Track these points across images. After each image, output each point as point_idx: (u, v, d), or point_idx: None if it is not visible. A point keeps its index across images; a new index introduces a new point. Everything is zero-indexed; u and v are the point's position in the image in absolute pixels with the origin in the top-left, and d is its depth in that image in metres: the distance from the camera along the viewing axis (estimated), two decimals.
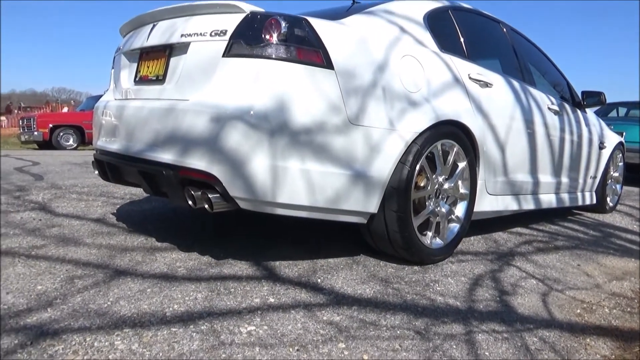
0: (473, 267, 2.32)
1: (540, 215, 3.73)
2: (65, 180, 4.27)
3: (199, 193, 1.85)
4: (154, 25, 2.20)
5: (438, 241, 2.33)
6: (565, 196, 3.54)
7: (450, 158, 2.33)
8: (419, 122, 2.09)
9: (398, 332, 1.55)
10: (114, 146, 2.19)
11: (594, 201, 4.06)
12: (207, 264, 2.09)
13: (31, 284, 1.73)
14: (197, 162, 1.80)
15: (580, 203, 3.80)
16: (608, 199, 4.29)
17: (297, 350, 1.38)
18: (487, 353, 1.44)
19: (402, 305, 1.77)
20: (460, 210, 2.46)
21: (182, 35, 1.99)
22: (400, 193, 2.06)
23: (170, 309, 1.60)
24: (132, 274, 1.91)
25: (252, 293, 1.78)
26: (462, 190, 2.45)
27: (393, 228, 2.10)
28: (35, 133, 12.11)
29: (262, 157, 1.75)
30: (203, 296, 1.72)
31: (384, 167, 2.01)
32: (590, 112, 3.93)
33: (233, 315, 1.58)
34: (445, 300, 1.85)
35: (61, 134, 12.41)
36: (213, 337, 1.42)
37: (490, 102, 2.55)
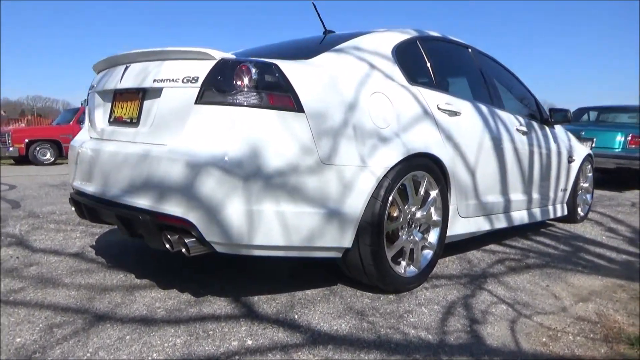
0: (446, 293, 2.39)
1: (514, 228, 3.83)
2: (43, 207, 4.24)
3: (176, 237, 1.89)
4: (127, 67, 2.22)
5: (412, 269, 2.40)
6: (536, 211, 3.65)
7: (422, 188, 2.41)
8: (389, 157, 2.16)
9: None
10: (90, 189, 2.21)
11: (565, 212, 4.19)
12: (186, 302, 2.12)
13: (10, 336, 1.75)
14: (174, 208, 1.84)
15: (552, 216, 3.93)
16: (579, 209, 4.43)
17: None
18: None
19: (376, 342, 1.83)
20: (433, 236, 2.53)
21: (154, 80, 2.03)
22: (374, 227, 2.12)
23: (150, 358, 1.64)
24: (111, 318, 1.93)
25: (230, 335, 1.82)
26: (434, 218, 2.52)
27: (367, 261, 2.16)
28: (11, 149, 11.87)
29: (236, 202, 1.79)
30: (182, 341, 1.76)
31: (356, 203, 2.07)
32: (559, 128, 4.06)
33: None
34: (417, 333, 1.92)
35: (38, 148, 12.19)
36: None
37: (459, 131, 2.63)
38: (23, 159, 11.96)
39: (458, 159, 2.63)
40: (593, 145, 7.07)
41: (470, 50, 3.24)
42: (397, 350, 1.77)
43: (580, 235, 3.91)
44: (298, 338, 1.83)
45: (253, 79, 1.85)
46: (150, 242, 2.02)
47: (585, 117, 8.80)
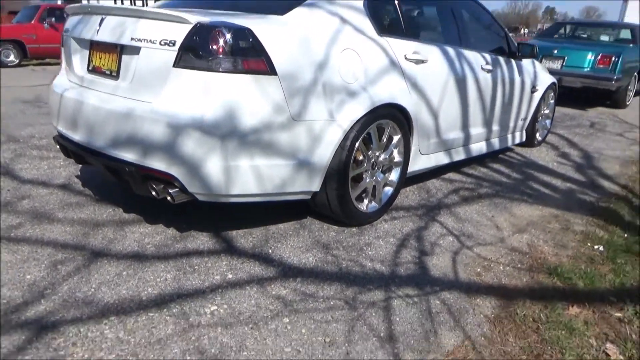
0: (403, 225, 2.73)
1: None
2: (22, 130, 4.33)
3: (161, 187, 2.12)
4: (102, 19, 2.27)
5: (374, 204, 2.71)
6: (495, 141, 3.94)
7: (385, 135, 2.63)
8: (356, 111, 2.35)
9: (332, 302, 1.95)
10: (76, 137, 2.36)
11: (524, 139, 4.50)
12: (172, 238, 2.40)
13: (20, 274, 2.02)
14: (158, 163, 2.04)
15: (510, 144, 4.23)
16: (537, 134, 4.74)
17: (251, 328, 1.77)
18: (397, 319, 1.87)
19: (338, 274, 2.17)
20: (394, 175, 2.81)
21: (132, 39, 2.11)
22: (340, 173, 2.37)
23: (145, 292, 1.94)
24: (107, 254, 2.21)
25: (213, 270, 2.13)
26: (397, 159, 2.78)
27: (334, 202, 2.44)
28: None
29: (215, 159, 2.00)
30: (172, 276, 2.06)
31: (325, 153, 2.29)
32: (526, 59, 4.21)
33: (198, 296, 1.94)
34: (373, 265, 2.26)
35: (0, 50, 11.69)
36: (183, 319, 1.78)
37: (425, 78, 2.79)
38: None
39: (422, 105, 2.82)
40: (564, 63, 7.23)
41: None
42: (354, 281, 2.12)
43: (533, 162, 4.26)
44: (272, 271, 2.16)
45: (228, 44, 1.96)
46: (136, 190, 2.24)
47: (562, 31, 8.83)
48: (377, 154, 2.63)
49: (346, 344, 1.71)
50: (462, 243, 2.58)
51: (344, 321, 1.84)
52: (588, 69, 7.06)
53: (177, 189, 2.09)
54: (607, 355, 1.78)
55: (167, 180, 2.07)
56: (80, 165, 3.39)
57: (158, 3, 2.95)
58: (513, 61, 3.93)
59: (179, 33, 1.98)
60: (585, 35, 8.49)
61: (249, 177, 2.10)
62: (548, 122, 4.94)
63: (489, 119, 3.65)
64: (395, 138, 2.71)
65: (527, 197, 3.34)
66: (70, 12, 2.55)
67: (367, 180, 2.61)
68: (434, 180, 3.55)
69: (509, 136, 4.19)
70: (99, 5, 2.31)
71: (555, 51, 7.32)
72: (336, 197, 2.41)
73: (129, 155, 2.11)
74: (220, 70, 1.96)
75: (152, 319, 1.78)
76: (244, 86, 1.99)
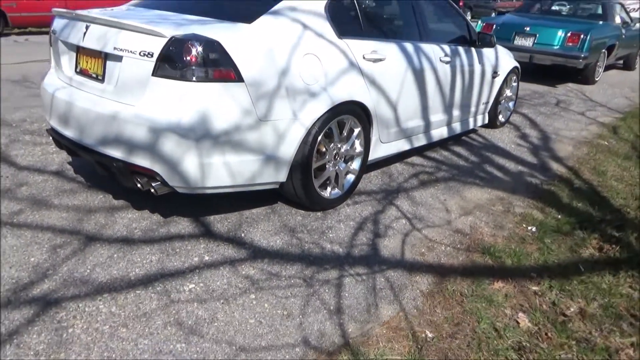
0: (363, 209, 3.08)
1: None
2: (13, 113, 4.55)
3: (145, 180, 2.43)
4: (87, 26, 2.52)
5: (336, 191, 3.04)
6: (456, 125, 4.26)
7: (346, 128, 2.94)
8: (317, 109, 2.65)
9: (292, 281, 2.31)
10: (68, 133, 2.63)
11: (486, 121, 4.83)
12: (157, 223, 2.73)
13: (25, 256, 2.34)
14: (141, 160, 2.34)
15: (472, 127, 4.55)
16: (500, 116, 5.07)
17: (222, 303, 2.12)
18: (346, 294, 2.24)
19: (300, 255, 2.52)
20: (356, 164, 3.14)
21: (115, 48, 2.37)
22: (303, 165, 2.69)
23: (133, 272, 2.28)
24: (99, 239, 2.53)
25: (192, 252, 2.47)
26: (357, 150, 3.10)
27: (299, 190, 2.77)
28: None
29: (191, 157, 2.31)
30: (156, 258, 2.40)
31: (289, 148, 2.61)
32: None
33: (179, 275, 2.28)
34: (332, 247, 2.62)
35: None
36: (166, 296, 2.13)
37: (383, 75, 3.08)
38: None
39: (381, 99, 3.12)
40: (535, 41, 7.49)
41: None
42: (314, 262, 2.48)
43: (493, 144, 4.61)
44: (243, 253, 2.51)
45: (200, 56, 2.24)
46: (123, 182, 2.54)
47: (538, 5, 9.01)
48: (339, 146, 2.95)
49: (300, 316, 2.08)
50: (413, 225, 2.94)
51: (301, 297, 2.21)
52: (557, 47, 7.33)
53: (159, 183, 2.40)
54: (517, 322, 2.17)
55: (151, 175, 2.38)
56: None
57: (135, 2, 3.17)
58: (473, 50, 4.20)
59: (156, 45, 2.25)
60: (559, 10, 8.69)
61: (221, 171, 2.42)
62: (511, 104, 5.26)
63: (449, 106, 3.96)
64: (356, 130, 3.02)
65: (480, 181, 3.70)
66: (56, 14, 2.78)
67: (330, 170, 2.94)
68: (397, 164, 3.89)
69: (471, 120, 4.51)
70: (84, 13, 2.54)
71: (527, 28, 7.56)
72: (301, 186, 2.74)
73: (116, 153, 2.40)
74: (194, 79, 2.24)
75: (139, 295, 2.13)
76: (214, 93, 2.28)
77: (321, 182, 2.90)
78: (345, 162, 3.08)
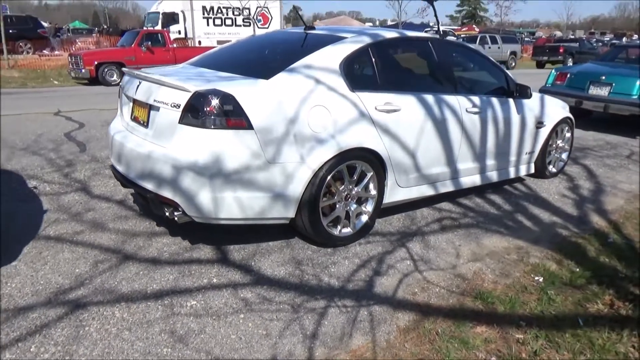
0: (373, 248, 3.26)
1: (476, 187, 4.46)
2: (102, 151, 5.39)
3: (171, 210, 2.87)
4: (140, 82, 3.09)
5: (348, 230, 3.27)
6: (492, 174, 4.28)
7: (357, 173, 3.19)
8: (324, 154, 2.95)
9: (281, 306, 2.57)
10: (120, 168, 3.19)
11: (532, 171, 4.77)
12: (184, 248, 3.15)
13: (72, 267, 2.86)
14: (166, 192, 2.79)
15: (512, 176, 4.53)
16: (550, 167, 4.97)
17: (214, 319, 2.44)
18: (326, 322, 2.44)
19: (297, 285, 2.78)
20: (369, 206, 3.36)
21: (155, 100, 2.89)
22: (311, 204, 2.98)
23: (151, 287, 2.69)
24: (134, 258, 3.00)
25: (204, 275, 2.84)
26: (372, 192, 3.33)
27: (307, 226, 3.05)
28: (83, 70, 13.34)
29: (205, 192, 2.71)
30: (173, 277, 2.79)
31: (297, 187, 2.92)
32: (534, 96, 4.51)
33: (187, 293, 2.65)
34: (329, 280, 2.84)
35: (105, 70, 13.59)
36: (169, 309, 2.50)
37: (397, 124, 3.31)
38: (94, 80, 13.44)
39: (396, 147, 3.34)
40: (611, 90, 7.18)
41: (430, 42, 3.76)
42: (307, 291, 2.72)
43: (534, 194, 4.53)
44: (247, 279, 2.82)
45: (216, 107, 2.67)
46: (155, 210, 3.01)
47: (622, 55, 8.62)
48: (350, 187, 3.20)
49: (277, 337, 2.32)
50: (417, 267, 3.06)
51: (284, 320, 2.45)
52: (636, 97, 6.95)
53: (180, 212, 2.83)
54: None
55: (174, 205, 2.82)
56: None
57: (193, 60, 3.75)
58: (511, 100, 4.26)
59: (183, 98, 2.73)
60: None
61: (233, 205, 2.79)
62: (565, 154, 5.12)
63: (480, 155, 4.03)
64: (369, 174, 3.26)
65: (504, 229, 3.70)
66: (125, 72, 3.42)
67: (340, 210, 3.19)
68: (424, 209, 4.01)
69: (511, 169, 4.50)
70: (138, 72, 3.14)
71: (604, 77, 7.28)
72: (309, 222, 3.02)
73: (149, 185, 2.88)
74: (211, 127, 2.67)
75: (149, 306, 2.51)
76: (227, 139, 2.69)
77: (330, 220, 3.16)
78: (360, 203, 3.31)
